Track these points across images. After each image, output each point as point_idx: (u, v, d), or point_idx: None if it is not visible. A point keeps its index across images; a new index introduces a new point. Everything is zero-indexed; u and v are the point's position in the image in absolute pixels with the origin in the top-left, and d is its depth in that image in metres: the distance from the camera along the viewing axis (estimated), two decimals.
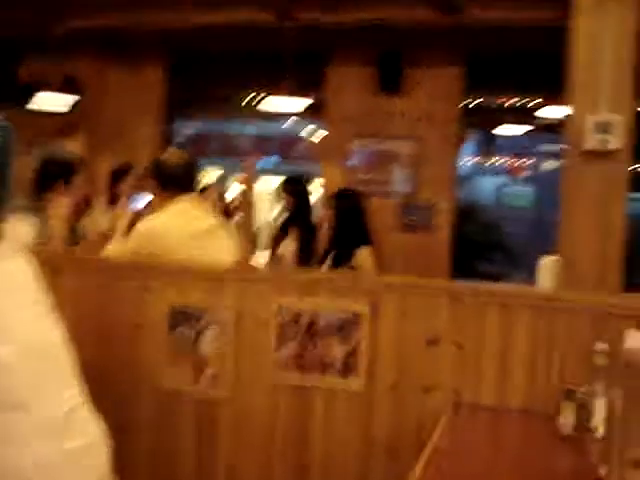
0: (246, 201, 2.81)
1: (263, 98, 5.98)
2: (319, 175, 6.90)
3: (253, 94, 7.03)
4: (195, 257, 2.91)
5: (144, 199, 3.59)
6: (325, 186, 6.52)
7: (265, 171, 11.93)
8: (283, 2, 5.51)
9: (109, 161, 6.59)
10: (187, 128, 11.89)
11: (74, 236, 3.77)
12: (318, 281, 2.71)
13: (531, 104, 7.42)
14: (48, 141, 6.93)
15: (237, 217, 4.90)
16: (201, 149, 13.04)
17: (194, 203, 3.11)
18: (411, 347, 2.56)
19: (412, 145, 6.37)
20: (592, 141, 3.13)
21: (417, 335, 2.55)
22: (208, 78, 7.13)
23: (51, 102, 6.30)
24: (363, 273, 4.07)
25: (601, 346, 2.01)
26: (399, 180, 6.43)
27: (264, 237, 5.58)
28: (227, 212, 5.10)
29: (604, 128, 3.10)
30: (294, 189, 4.98)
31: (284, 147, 12.61)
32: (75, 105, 6.51)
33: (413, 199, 6.38)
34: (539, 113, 7.20)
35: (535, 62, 5.92)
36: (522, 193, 16.10)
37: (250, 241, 2.79)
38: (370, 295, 2.59)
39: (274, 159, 12.55)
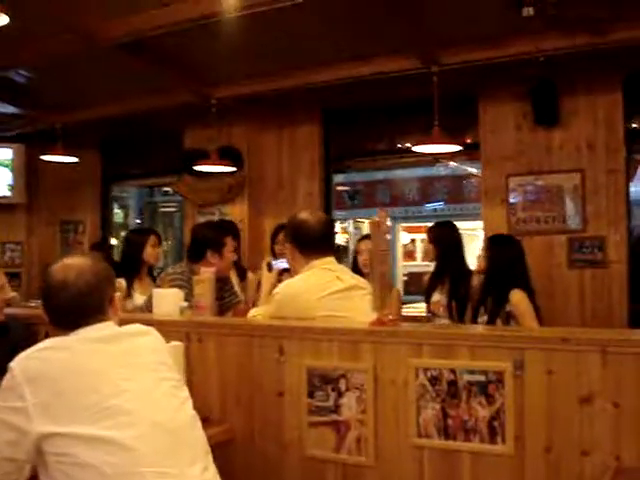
0: (377, 252, 2.71)
1: (417, 144, 5.89)
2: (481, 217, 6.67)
3: (407, 144, 6.97)
4: (327, 319, 2.86)
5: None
6: (485, 228, 6.32)
7: (431, 215, 11.81)
8: (428, 48, 5.47)
9: (271, 221, 6.81)
10: (349, 179, 12.05)
11: (227, 301, 3.87)
12: (456, 337, 2.57)
13: None
14: (214, 205, 7.29)
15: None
16: (368, 199, 13.17)
17: (330, 266, 3.05)
18: (562, 406, 2.36)
19: (575, 178, 6.03)
20: None
21: (568, 393, 2.34)
22: (361, 130, 7.18)
23: (213, 169, 6.59)
24: (518, 318, 3.85)
25: None
26: (564, 215, 6.10)
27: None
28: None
29: None
30: (438, 237, 4.76)
31: (448, 190, 12.43)
32: (236, 170, 6.78)
33: (581, 234, 6.02)
34: None
35: None
36: None
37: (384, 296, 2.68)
38: (513, 352, 2.41)
39: (439, 204, 12.39)
